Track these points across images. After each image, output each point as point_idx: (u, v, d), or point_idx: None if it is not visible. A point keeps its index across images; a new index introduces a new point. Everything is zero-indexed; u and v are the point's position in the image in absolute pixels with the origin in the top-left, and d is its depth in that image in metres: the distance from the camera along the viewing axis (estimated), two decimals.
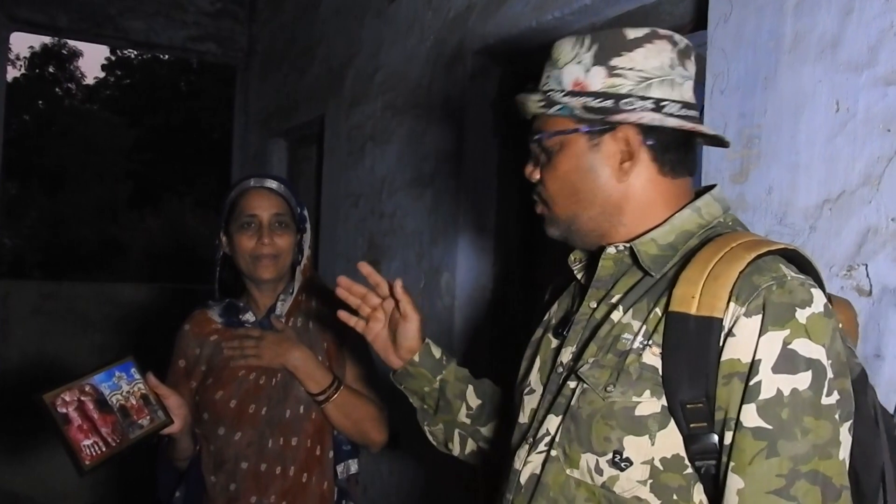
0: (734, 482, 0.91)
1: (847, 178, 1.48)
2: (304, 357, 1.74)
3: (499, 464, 1.28)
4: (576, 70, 1.09)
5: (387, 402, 1.86)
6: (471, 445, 1.43)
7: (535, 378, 1.18)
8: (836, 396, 0.91)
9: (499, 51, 2.68)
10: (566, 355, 1.11)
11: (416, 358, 1.34)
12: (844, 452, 0.91)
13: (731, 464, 0.92)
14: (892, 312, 1.40)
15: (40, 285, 6.51)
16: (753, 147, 1.65)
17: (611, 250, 1.10)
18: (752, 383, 0.91)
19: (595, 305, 1.11)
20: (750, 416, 0.91)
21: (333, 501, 1.81)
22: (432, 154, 2.96)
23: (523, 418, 1.16)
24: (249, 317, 1.85)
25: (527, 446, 1.11)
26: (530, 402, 1.16)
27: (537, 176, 1.16)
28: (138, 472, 2.50)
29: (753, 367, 0.91)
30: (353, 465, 1.88)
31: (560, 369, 1.11)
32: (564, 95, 1.09)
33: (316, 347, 1.80)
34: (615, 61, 1.07)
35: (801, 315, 0.92)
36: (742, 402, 0.91)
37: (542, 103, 1.11)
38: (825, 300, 0.95)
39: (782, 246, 1.00)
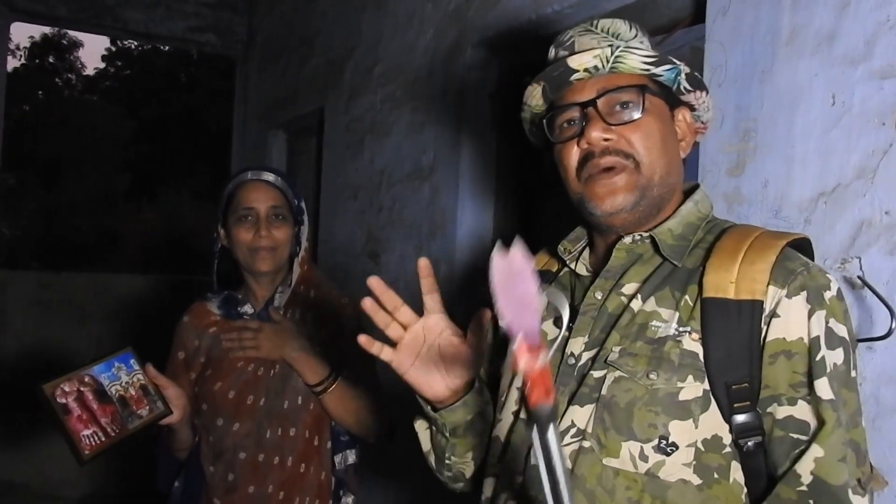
0: (813, 451, 0.93)
1: (842, 172, 1.48)
2: (302, 348, 1.74)
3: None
4: (645, 48, 1.11)
5: (384, 393, 1.87)
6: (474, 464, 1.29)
7: None
8: (855, 371, 0.97)
9: (498, 43, 2.68)
10: (576, 346, 1.09)
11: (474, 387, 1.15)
12: None
13: (812, 434, 0.94)
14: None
15: (38, 275, 6.52)
16: (750, 140, 1.66)
17: (627, 240, 1.11)
18: (817, 359, 0.95)
19: (601, 295, 1.11)
20: (824, 389, 0.94)
21: (331, 491, 1.82)
22: (431, 146, 2.96)
23: (526, 414, 1.12)
24: (248, 309, 1.86)
25: None
26: None
27: (611, 135, 1.08)
28: (137, 462, 2.51)
29: (814, 343, 0.96)
30: (351, 456, 1.88)
31: (572, 360, 1.09)
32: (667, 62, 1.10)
33: (314, 339, 1.81)
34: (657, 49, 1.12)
35: (826, 297, 0.98)
36: (813, 378, 0.95)
37: (654, 59, 1.09)
38: (838, 284, 1.01)
39: (802, 236, 1.06)
